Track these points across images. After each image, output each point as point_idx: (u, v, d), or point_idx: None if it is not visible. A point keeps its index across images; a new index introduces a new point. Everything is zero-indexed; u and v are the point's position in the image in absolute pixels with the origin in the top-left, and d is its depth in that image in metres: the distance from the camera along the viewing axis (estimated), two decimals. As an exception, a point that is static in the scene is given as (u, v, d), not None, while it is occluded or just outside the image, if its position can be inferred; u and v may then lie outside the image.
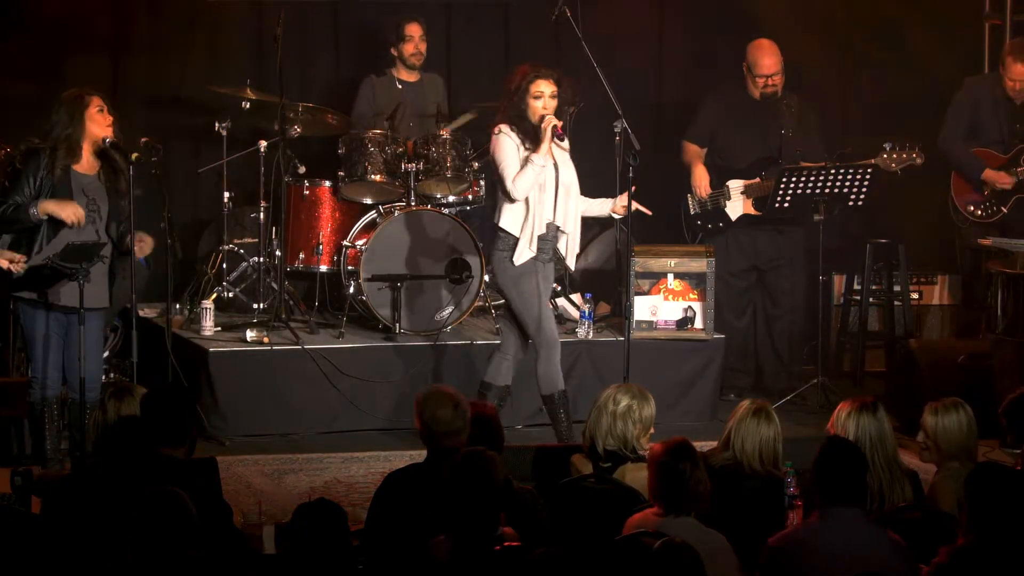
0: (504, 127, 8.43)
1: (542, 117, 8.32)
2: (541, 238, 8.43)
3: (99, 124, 8.08)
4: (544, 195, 8.40)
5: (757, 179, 9.95)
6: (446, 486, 5.43)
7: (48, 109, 8.13)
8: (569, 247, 8.55)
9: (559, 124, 8.30)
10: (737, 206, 10.02)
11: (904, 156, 9.84)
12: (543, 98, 8.33)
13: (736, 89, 10.17)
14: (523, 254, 8.43)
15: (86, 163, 8.12)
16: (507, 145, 8.39)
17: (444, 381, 9.19)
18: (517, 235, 8.42)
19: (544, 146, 8.29)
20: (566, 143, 8.51)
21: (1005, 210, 10.30)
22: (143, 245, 8.19)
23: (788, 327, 10.33)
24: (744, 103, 10.10)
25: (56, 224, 7.98)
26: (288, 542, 5.21)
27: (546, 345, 8.51)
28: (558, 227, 8.48)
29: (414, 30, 10.28)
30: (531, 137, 8.35)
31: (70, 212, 7.96)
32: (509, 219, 8.45)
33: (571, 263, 8.59)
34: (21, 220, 7.96)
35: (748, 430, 6.55)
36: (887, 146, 9.83)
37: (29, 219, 7.95)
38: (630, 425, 6.71)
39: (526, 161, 8.33)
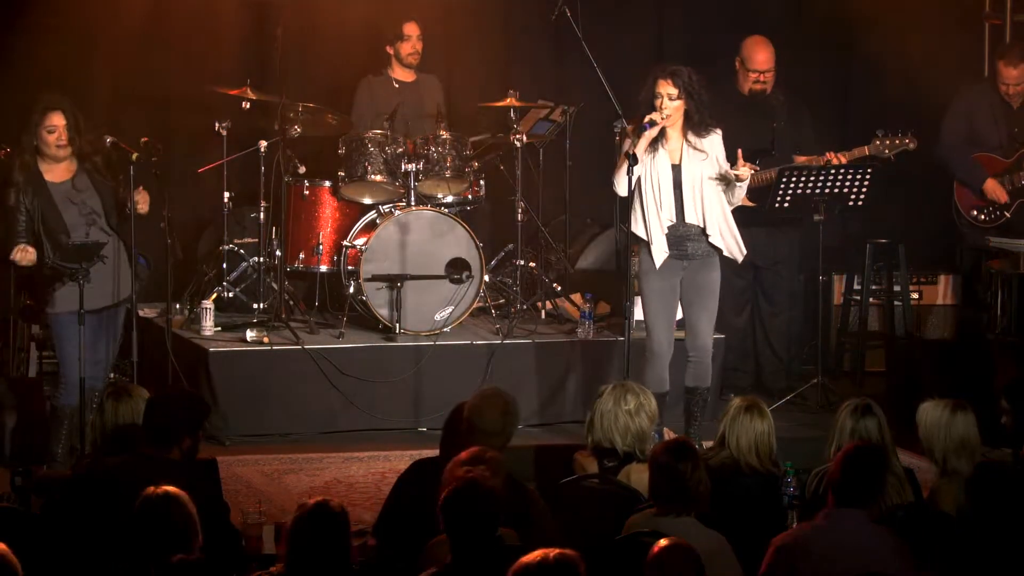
0: (629, 127, 8.58)
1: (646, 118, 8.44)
2: (671, 235, 8.47)
3: (45, 144, 8.06)
4: (659, 194, 8.45)
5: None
6: (445, 486, 5.43)
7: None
8: (726, 243, 8.54)
9: (648, 117, 8.38)
10: None
11: (896, 142, 9.84)
12: (661, 98, 8.43)
13: (724, 87, 10.16)
14: (644, 254, 8.53)
15: (57, 171, 8.09)
16: (625, 143, 8.53)
17: (443, 381, 9.20)
18: (638, 235, 8.53)
19: (640, 143, 8.38)
20: (706, 144, 8.47)
21: (1008, 214, 10.30)
22: (142, 200, 8.16)
23: (786, 326, 10.33)
24: (733, 99, 10.08)
25: (53, 230, 7.98)
26: (288, 541, 5.20)
27: (649, 349, 8.59)
28: (698, 226, 8.49)
29: (412, 29, 10.29)
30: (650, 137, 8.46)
31: (17, 258, 7.97)
32: (631, 219, 8.57)
33: (737, 255, 8.59)
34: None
35: (742, 426, 6.58)
36: (879, 133, 9.85)
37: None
38: (645, 419, 6.76)
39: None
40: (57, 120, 8.04)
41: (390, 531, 6.19)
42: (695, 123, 8.46)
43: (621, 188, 8.47)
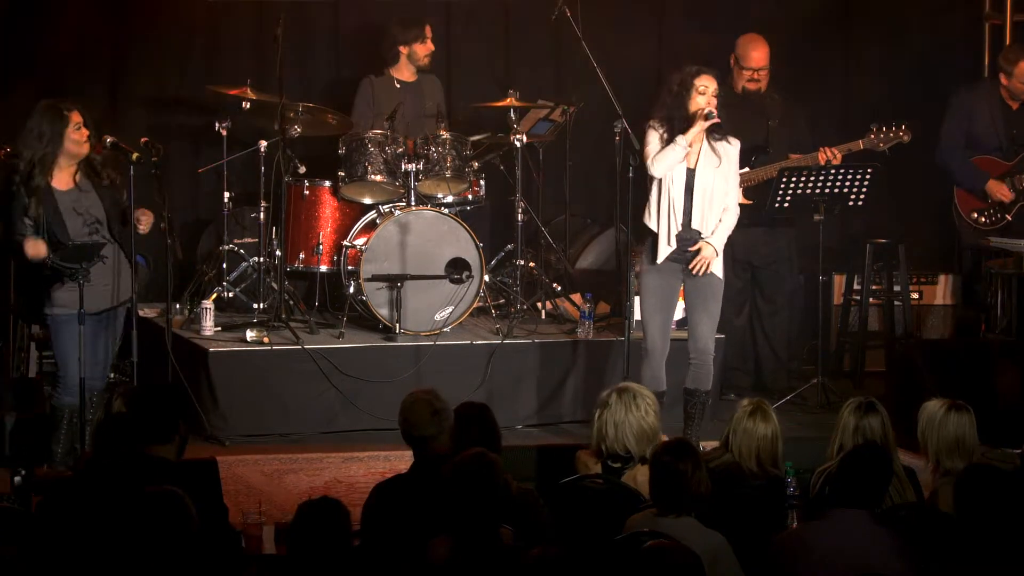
0: (653, 122, 8.60)
1: (701, 109, 8.48)
2: (679, 238, 8.51)
3: (76, 143, 8.05)
4: (671, 195, 8.51)
5: (746, 168, 9.92)
6: (447, 487, 5.43)
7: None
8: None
9: (708, 109, 8.45)
10: None
11: (891, 134, 9.82)
12: (707, 93, 8.49)
13: (721, 87, 10.13)
14: (647, 250, 8.58)
15: (63, 177, 8.08)
16: (650, 134, 8.57)
17: (443, 381, 9.18)
18: (649, 227, 8.56)
19: (693, 131, 8.44)
20: (722, 150, 8.54)
21: (1010, 217, 10.30)
22: (145, 220, 8.15)
23: (785, 326, 10.32)
24: (729, 98, 10.04)
25: (57, 239, 7.98)
26: (291, 540, 5.21)
27: (643, 347, 8.62)
28: (700, 232, 8.54)
29: (429, 31, 10.30)
30: (679, 131, 8.49)
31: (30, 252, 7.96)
32: (645, 211, 8.62)
33: (717, 270, 8.59)
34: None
35: (744, 431, 6.59)
36: (874, 126, 9.83)
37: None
38: (653, 416, 6.79)
39: (670, 142, 8.48)
40: (78, 118, 8.06)
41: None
42: (721, 127, 8.50)
43: (658, 167, 8.49)
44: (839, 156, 9.77)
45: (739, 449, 6.59)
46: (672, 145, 8.47)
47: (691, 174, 8.54)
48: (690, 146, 8.50)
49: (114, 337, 8.28)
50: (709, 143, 8.55)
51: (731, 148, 8.62)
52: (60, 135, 8.00)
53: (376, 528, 6.05)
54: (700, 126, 8.46)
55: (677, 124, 8.52)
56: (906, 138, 9.86)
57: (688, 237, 8.55)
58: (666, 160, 8.49)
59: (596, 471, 6.84)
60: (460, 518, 5.31)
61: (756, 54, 10.05)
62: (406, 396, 6.48)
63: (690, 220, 8.54)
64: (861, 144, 9.82)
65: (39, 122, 8.01)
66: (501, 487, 5.44)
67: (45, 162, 7.99)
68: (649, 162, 8.53)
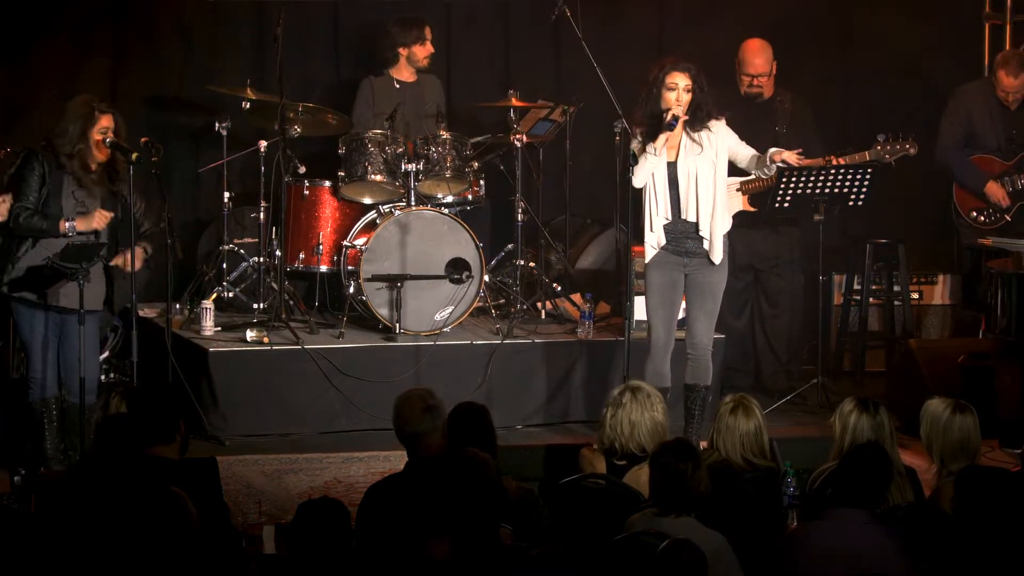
0: (634, 127, 8.59)
1: (668, 108, 8.43)
2: (670, 231, 8.51)
3: (98, 146, 8.09)
4: (656, 190, 8.50)
5: (751, 176, 9.92)
6: (442, 487, 5.43)
7: (53, 111, 8.13)
8: (712, 243, 8.55)
9: (671, 113, 8.39)
10: (734, 203, 9.99)
11: (898, 147, 9.82)
12: (676, 90, 8.43)
13: (726, 90, 10.15)
14: (647, 248, 8.57)
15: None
16: (633, 144, 8.55)
17: (443, 381, 9.19)
18: (646, 228, 8.57)
19: (660, 139, 8.40)
20: (704, 139, 8.50)
21: (1008, 217, 10.30)
22: (134, 257, 8.15)
23: (786, 327, 10.32)
24: (735, 102, 10.07)
25: (47, 211, 7.99)
26: (291, 540, 5.21)
27: (648, 345, 8.62)
28: (693, 222, 8.51)
29: (429, 33, 10.30)
30: (654, 128, 8.46)
31: (96, 222, 7.98)
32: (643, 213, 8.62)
33: (715, 257, 8.55)
34: (45, 231, 7.97)
35: (727, 427, 6.62)
36: (881, 137, 9.82)
37: (56, 232, 7.96)
38: (660, 411, 6.80)
39: (647, 142, 8.47)
40: (108, 123, 8.10)
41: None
42: (697, 119, 8.46)
43: (635, 179, 8.52)
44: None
45: (724, 446, 6.60)
46: (644, 155, 8.45)
47: (672, 167, 8.50)
48: (667, 143, 8.46)
49: (92, 345, 8.20)
50: (688, 135, 8.50)
51: (713, 133, 8.53)
52: (89, 134, 8.04)
53: (371, 528, 6.05)
54: (664, 135, 8.41)
55: (652, 123, 8.48)
56: (912, 151, 9.85)
57: (683, 230, 8.53)
58: (643, 171, 8.48)
59: (600, 469, 6.85)
60: (454, 518, 5.31)
61: (756, 60, 10.05)
62: (400, 394, 6.50)
63: (679, 212, 8.52)
64: (868, 155, 9.81)
65: (71, 120, 8.06)
66: (493, 486, 5.43)
67: (83, 158, 8.03)
68: (630, 176, 8.53)
